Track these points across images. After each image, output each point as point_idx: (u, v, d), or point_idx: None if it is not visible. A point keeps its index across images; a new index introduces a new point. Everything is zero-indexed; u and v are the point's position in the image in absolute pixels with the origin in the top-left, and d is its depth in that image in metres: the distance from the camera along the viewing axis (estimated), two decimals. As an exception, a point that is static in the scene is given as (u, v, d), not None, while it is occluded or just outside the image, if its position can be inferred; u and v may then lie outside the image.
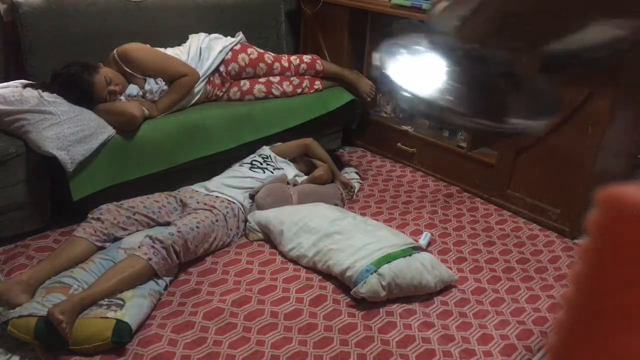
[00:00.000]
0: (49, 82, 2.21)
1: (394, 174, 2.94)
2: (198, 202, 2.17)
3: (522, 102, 0.88)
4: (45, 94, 2.12)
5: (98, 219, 1.97)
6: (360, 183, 2.79)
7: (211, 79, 2.59)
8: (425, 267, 1.92)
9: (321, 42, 3.25)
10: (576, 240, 2.37)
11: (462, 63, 0.85)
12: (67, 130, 2.05)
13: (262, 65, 2.72)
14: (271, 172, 2.46)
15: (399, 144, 3.03)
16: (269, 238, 2.21)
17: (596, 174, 2.23)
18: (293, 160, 2.67)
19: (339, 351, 1.67)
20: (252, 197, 2.33)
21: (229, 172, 2.44)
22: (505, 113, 0.83)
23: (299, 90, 2.81)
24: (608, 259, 0.36)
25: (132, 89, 2.34)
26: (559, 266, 2.19)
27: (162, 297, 1.85)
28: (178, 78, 2.42)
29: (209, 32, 2.72)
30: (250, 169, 2.44)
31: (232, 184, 2.33)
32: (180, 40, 2.64)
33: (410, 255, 1.96)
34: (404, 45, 0.94)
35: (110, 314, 1.62)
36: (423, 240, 2.23)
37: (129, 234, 2.02)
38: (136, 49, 2.39)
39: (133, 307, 1.68)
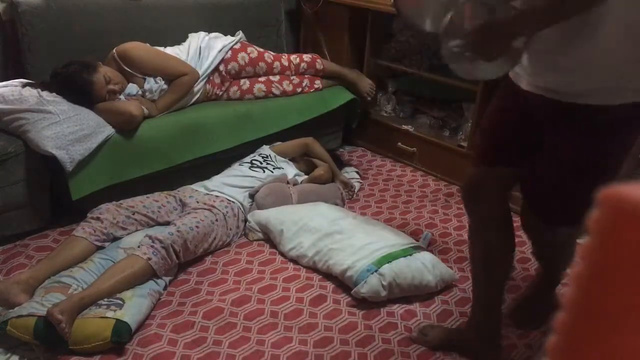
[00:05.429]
0: (48, 81, 2.20)
1: (394, 174, 2.94)
2: (198, 202, 2.16)
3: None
4: (45, 93, 2.12)
5: (97, 219, 1.97)
6: (361, 182, 2.79)
7: (211, 78, 2.58)
8: (426, 266, 1.92)
9: (321, 41, 3.24)
10: (577, 240, 2.35)
11: None
12: (66, 130, 2.05)
13: (262, 64, 2.71)
14: (271, 171, 2.45)
15: (399, 144, 3.02)
16: (269, 238, 2.21)
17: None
18: (293, 160, 2.66)
19: (340, 350, 1.67)
20: (252, 196, 2.32)
21: (228, 172, 2.44)
22: None
23: (299, 90, 2.80)
24: (608, 259, 0.36)
25: (132, 88, 2.33)
26: (560, 265, 2.18)
27: (161, 297, 1.85)
28: (178, 77, 2.41)
29: (209, 31, 2.72)
30: (250, 168, 2.44)
31: (231, 183, 2.32)
32: (179, 39, 2.63)
33: (411, 254, 1.96)
34: None
35: (110, 314, 1.62)
36: (424, 240, 2.23)
37: (128, 234, 2.02)
38: (136, 48, 2.39)
39: (132, 306, 1.68)
